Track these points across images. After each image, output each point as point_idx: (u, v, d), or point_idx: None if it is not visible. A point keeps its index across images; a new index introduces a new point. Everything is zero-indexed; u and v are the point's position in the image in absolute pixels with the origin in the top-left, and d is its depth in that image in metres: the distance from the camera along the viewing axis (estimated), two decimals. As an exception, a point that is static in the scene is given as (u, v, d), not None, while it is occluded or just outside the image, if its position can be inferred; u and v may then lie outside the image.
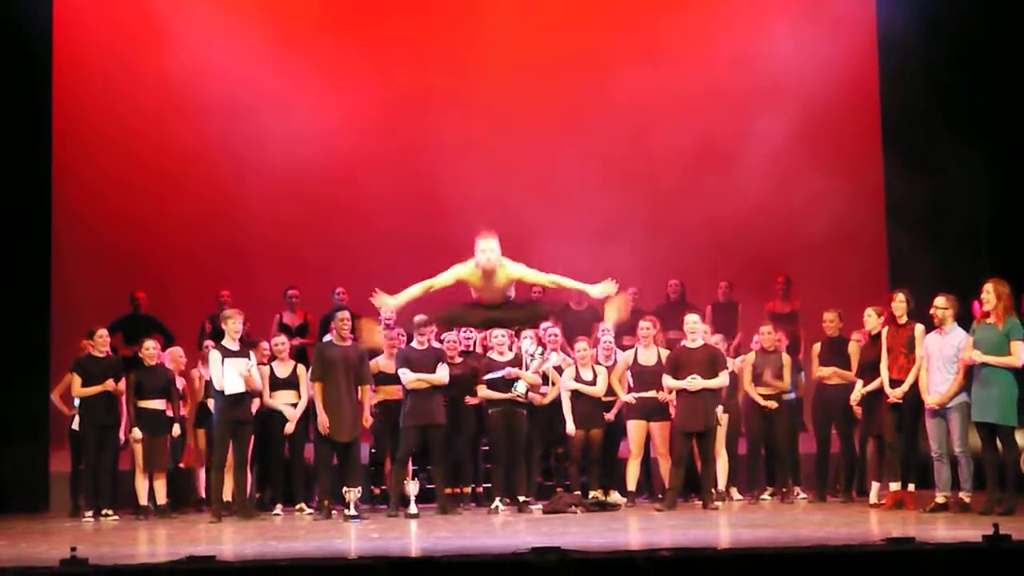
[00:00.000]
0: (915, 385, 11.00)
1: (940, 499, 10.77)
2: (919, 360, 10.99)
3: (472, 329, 12.77)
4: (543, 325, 12.95)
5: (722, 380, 11.92)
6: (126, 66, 14.87)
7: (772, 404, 12.38)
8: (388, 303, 9.68)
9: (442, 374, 11.94)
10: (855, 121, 15.05)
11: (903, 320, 11.20)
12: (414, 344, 12.06)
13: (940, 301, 10.77)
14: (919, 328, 11.07)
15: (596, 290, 9.69)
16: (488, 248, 9.40)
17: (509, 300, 9.82)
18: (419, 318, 11.77)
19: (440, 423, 11.94)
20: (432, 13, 15.44)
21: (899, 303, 11.22)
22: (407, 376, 11.85)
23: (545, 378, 12.38)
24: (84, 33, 14.78)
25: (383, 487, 12.45)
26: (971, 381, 10.49)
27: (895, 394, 11.13)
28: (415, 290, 9.65)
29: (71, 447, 12.79)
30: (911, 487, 11.29)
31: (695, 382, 11.71)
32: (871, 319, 11.69)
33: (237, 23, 15.00)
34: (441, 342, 12.52)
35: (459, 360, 12.43)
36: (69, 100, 14.40)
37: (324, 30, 15.33)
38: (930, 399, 10.77)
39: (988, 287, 10.43)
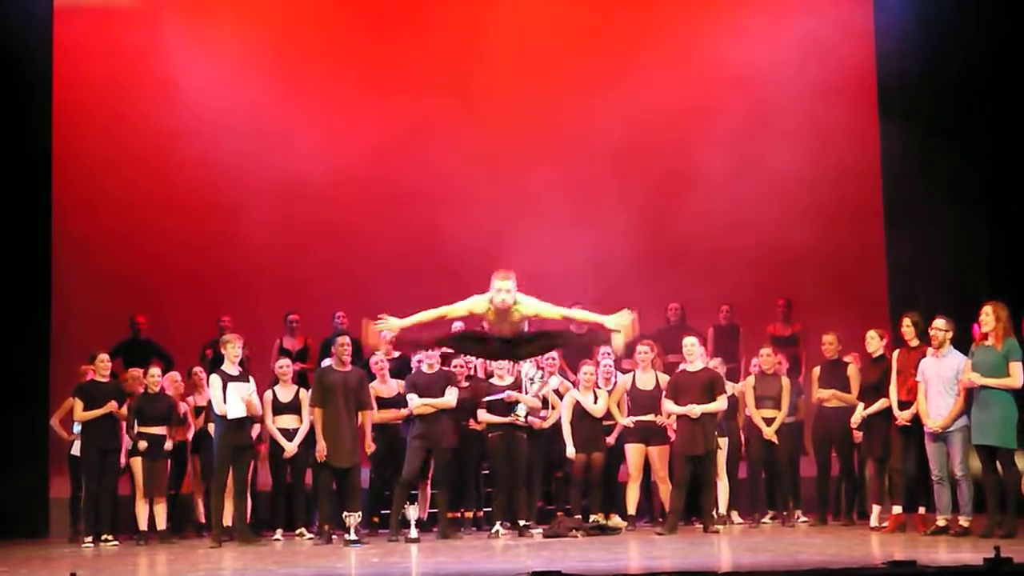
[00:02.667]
0: (918, 408, 11.02)
1: (941, 522, 10.76)
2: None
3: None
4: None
5: (720, 404, 11.91)
6: (126, 91, 14.92)
7: (773, 436, 12.37)
8: (394, 325, 9.52)
9: (450, 397, 11.94)
10: (856, 143, 15.09)
11: (914, 343, 11.19)
12: (423, 368, 12.05)
13: (940, 323, 10.77)
14: (931, 351, 11.05)
15: (611, 321, 9.48)
16: (504, 288, 9.04)
17: (522, 333, 9.57)
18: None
19: (447, 446, 11.94)
20: (431, 40, 15.48)
21: (908, 327, 11.21)
22: (414, 402, 11.85)
23: (545, 402, 12.38)
24: (85, 59, 14.81)
25: (384, 511, 12.43)
26: (971, 403, 10.50)
27: (904, 416, 11.11)
28: (426, 315, 9.36)
29: (70, 473, 12.76)
30: (921, 510, 11.29)
31: (694, 409, 11.71)
32: (873, 341, 11.71)
33: (237, 49, 15.06)
34: (449, 366, 12.52)
35: (465, 384, 12.42)
36: (69, 124, 14.43)
37: (324, 56, 15.37)
38: (931, 423, 10.76)
39: (987, 309, 10.45)
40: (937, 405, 10.74)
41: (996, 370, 10.34)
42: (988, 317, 10.42)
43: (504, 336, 9.24)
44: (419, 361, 12.18)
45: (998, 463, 10.38)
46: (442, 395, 11.93)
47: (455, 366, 12.51)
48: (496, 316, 9.14)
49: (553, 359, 12.70)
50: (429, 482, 12.31)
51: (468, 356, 12.72)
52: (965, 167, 13.48)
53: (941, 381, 10.72)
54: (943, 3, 13.80)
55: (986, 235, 13.40)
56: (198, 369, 12.86)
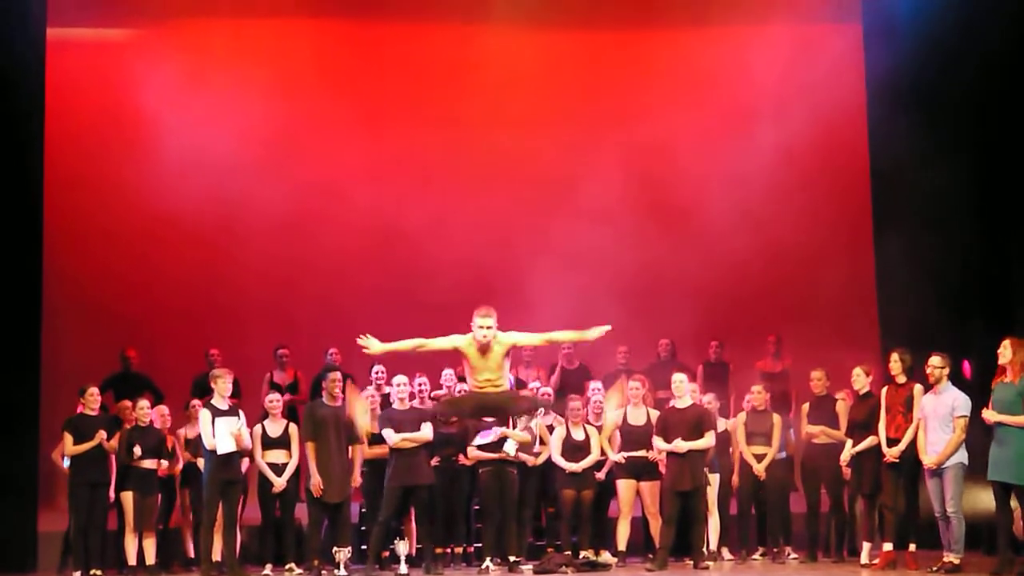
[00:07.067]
0: (913, 445, 11.00)
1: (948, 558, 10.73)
2: (916, 420, 10.99)
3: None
4: (533, 385, 13.00)
5: (708, 441, 11.90)
6: (117, 125, 14.94)
7: (762, 474, 12.37)
8: (375, 347, 9.82)
9: (426, 432, 11.91)
10: (845, 178, 15.19)
11: (901, 380, 11.21)
12: (395, 405, 12.03)
13: (936, 360, 10.79)
14: (918, 388, 11.07)
15: (592, 334, 9.78)
16: (484, 325, 9.55)
17: (511, 391, 9.89)
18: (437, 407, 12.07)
19: (425, 483, 11.89)
20: (421, 75, 15.53)
21: (895, 362, 11.24)
22: (392, 437, 11.80)
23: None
24: (76, 91, 14.83)
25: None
26: (969, 440, 10.49)
27: (892, 453, 11.13)
28: (405, 344, 9.86)
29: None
30: (912, 547, 11.29)
31: (680, 445, 11.71)
32: (859, 378, 11.73)
33: (228, 83, 15.10)
34: (435, 400, 12.50)
35: (454, 419, 12.39)
36: (60, 158, 14.39)
37: (316, 92, 15.42)
38: (927, 459, 10.76)
39: (1006, 343, 10.42)
40: (933, 442, 10.75)
41: (1012, 406, 10.31)
42: (1006, 351, 10.39)
43: (492, 390, 9.54)
44: (389, 394, 12.24)
45: (1015, 500, 10.36)
46: (417, 430, 11.90)
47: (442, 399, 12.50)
48: (478, 354, 9.47)
49: (549, 395, 12.72)
50: (413, 519, 12.24)
51: (459, 390, 12.74)
52: (956, 202, 13.50)
53: (937, 418, 10.74)
54: (935, 48, 13.81)
55: (979, 269, 13.41)
56: (196, 402, 12.79)
